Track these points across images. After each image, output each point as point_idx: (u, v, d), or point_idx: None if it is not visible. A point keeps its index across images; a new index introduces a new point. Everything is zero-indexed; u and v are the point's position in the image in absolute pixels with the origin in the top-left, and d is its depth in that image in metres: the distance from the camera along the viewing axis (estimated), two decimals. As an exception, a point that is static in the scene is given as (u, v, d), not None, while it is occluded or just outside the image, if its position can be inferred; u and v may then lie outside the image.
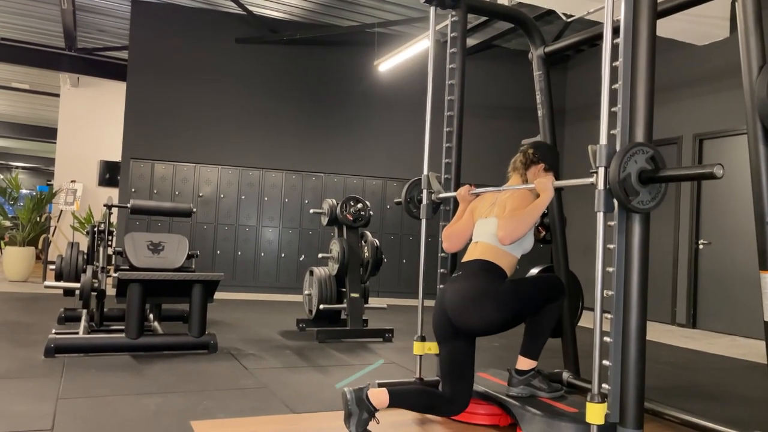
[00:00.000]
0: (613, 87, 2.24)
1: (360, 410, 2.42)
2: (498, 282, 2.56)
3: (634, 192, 2.13)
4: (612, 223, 2.23)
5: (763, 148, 2.35)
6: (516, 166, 2.84)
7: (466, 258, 2.72)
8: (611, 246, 2.23)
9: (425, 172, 3.26)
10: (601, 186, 2.16)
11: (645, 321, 2.21)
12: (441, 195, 3.20)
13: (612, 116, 2.22)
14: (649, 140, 2.24)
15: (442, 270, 3.21)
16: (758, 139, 2.35)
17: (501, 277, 2.59)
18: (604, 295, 2.20)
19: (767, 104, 2.28)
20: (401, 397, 2.53)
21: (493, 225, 2.65)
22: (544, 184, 2.54)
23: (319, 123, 8.40)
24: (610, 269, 2.21)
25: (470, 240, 2.80)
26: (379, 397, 2.46)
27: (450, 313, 2.58)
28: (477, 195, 2.94)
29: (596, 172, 2.18)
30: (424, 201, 3.24)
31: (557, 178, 2.77)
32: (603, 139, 2.19)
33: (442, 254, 3.15)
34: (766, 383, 2.37)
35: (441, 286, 3.18)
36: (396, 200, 3.58)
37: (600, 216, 2.17)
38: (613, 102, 2.23)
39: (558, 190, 3.36)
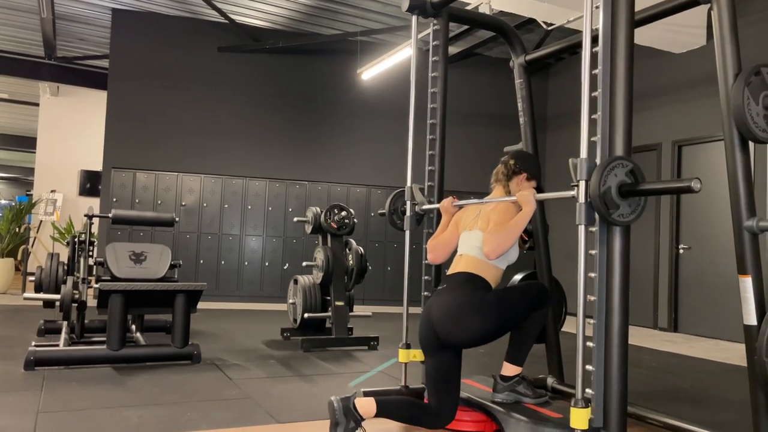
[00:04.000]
0: (592, 95, 2.27)
1: (347, 420, 2.42)
2: (482, 294, 2.56)
3: (614, 205, 2.16)
4: (593, 229, 2.25)
5: (740, 154, 2.39)
6: (498, 178, 2.86)
7: (451, 270, 2.72)
8: (593, 252, 2.25)
9: (409, 183, 3.27)
10: (582, 199, 2.19)
11: (627, 325, 2.23)
12: (424, 207, 3.22)
13: (592, 124, 2.24)
14: (629, 151, 2.28)
15: (426, 277, 3.22)
16: (735, 146, 2.39)
17: (485, 288, 2.60)
18: (587, 300, 2.22)
19: (743, 111, 2.32)
20: (388, 407, 2.52)
21: (477, 238, 2.66)
22: (526, 197, 2.56)
23: (303, 131, 8.39)
24: (593, 275, 2.24)
25: (455, 252, 2.81)
26: (366, 406, 2.46)
27: (436, 326, 2.58)
28: (460, 207, 2.95)
29: (577, 186, 2.21)
30: (408, 212, 3.25)
31: (539, 185, 2.80)
32: (583, 148, 2.22)
33: (426, 262, 3.16)
34: (747, 386, 2.40)
35: (426, 293, 3.18)
36: (380, 212, 3.58)
37: (581, 228, 2.19)
38: (593, 109, 2.26)
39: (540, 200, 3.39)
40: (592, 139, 2.25)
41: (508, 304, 2.59)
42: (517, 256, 2.73)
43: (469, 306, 2.53)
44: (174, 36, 7.97)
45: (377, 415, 2.48)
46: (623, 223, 2.19)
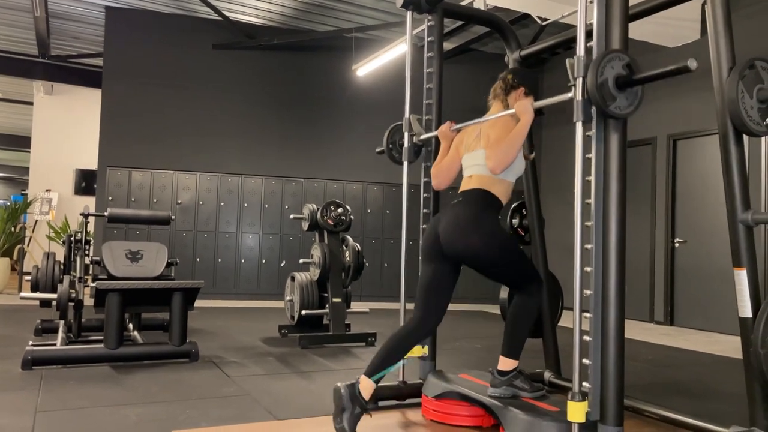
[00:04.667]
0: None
1: (353, 405, 2.46)
2: (493, 213, 2.64)
3: (611, 97, 2.19)
4: (590, 133, 2.27)
5: (734, 148, 2.40)
6: (496, 93, 2.87)
7: (461, 189, 2.77)
8: (589, 246, 2.26)
9: (406, 115, 3.26)
10: (579, 96, 2.22)
11: (623, 319, 2.24)
12: (422, 136, 3.21)
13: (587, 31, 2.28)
14: (625, 46, 2.29)
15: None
16: (729, 139, 2.40)
17: (496, 206, 2.66)
18: (584, 294, 2.23)
19: (737, 105, 2.33)
20: (376, 365, 2.57)
21: (481, 156, 2.70)
22: (524, 106, 2.58)
23: (299, 128, 8.38)
24: (588, 269, 2.24)
25: (456, 184, 2.86)
26: (366, 387, 2.51)
27: (441, 235, 2.65)
28: (458, 130, 2.96)
29: (574, 85, 2.23)
30: (406, 144, 3.25)
31: (536, 100, 2.80)
32: (580, 46, 2.25)
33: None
34: (743, 378, 2.41)
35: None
36: (378, 149, 3.57)
37: (578, 126, 2.22)
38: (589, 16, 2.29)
39: (536, 191, 3.40)
40: (588, 44, 2.27)
41: (511, 246, 2.66)
42: (523, 167, 2.77)
43: (477, 221, 2.59)
44: (168, 34, 7.95)
45: (375, 380, 2.53)
46: (621, 115, 2.21)
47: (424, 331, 2.72)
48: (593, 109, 2.24)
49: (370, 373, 2.55)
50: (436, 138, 3.12)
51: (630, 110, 2.23)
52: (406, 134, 3.26)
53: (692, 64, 2.02)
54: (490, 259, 2.62)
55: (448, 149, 2.94)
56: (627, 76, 2.21)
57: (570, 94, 2.27)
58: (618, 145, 2.26)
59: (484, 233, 2.58)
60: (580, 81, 2.22)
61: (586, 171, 2.25)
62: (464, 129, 2.92)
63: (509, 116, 2.69)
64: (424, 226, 3.26)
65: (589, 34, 2.31)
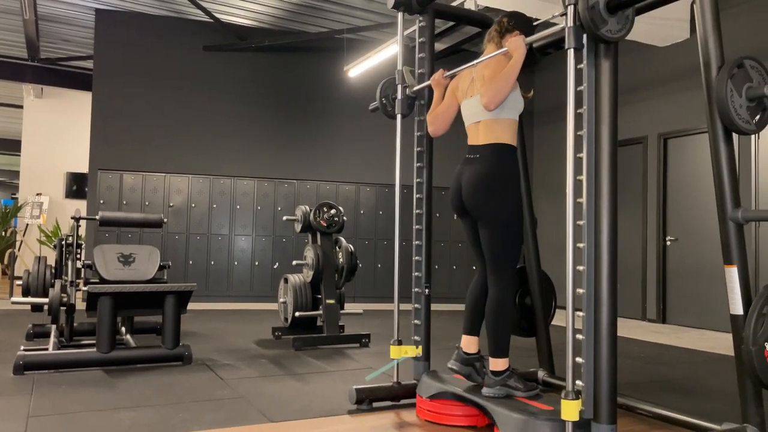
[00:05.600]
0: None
1: (468, 367, 2.75)
2: (512, 166, 2.72)
3: (602, 21, 2.20)
4: (581, 66, 2.29)
5: (724, 146, 2.42)
6: (491, 36, 2.88)
7: (471, 141, 2.81)
8: (581, 245, 2.27)
9: (399, 67, 3.26)
10: (570, 23, 2.23)
11: (616, 317, 2.25)
12: (415, 87, 3.21)
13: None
14: None
15: (416, 273, 3.23)
16: (719, 137, 2.41)
17: (512, 156, 2.73)
18: (576, 293, 2.23)
19: (726, 104, 2.34)
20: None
21: (478, 101, 2.71)
22: (516, 42, 2.61)
23: (290, 129, 8.37)
24: (581, 268, 2.25)
25: (453, 134, 2.97)
26: (470, 345, 2.79)
27: (465, 196, 2.74)
28: (452, 76, 2.97)
29: (566, 13, 2.25)
30: (399, 96, 3.24)
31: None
32: None
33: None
34: (735, 375, 2.43)
35: (417, 289, 3.20)
36: (371, 106, 3.56)
37: (570, 53, 2.24)
38: None
39: (528, 191, 3.41)
40: None
41: (517, 222, 2.74)
42: (522, 104, 2.79)
43: (494, 180, 2.67)
44: (158, 36, 7.92)
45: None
46: (612, 39, 2.23)
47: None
48: (584, 36, 2.25)
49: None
50: (430, 89, 3.12)
51: (622, 34, 2.25)
52: (399, 87, 3.25)
53: None
54: (501, 221, 2.69)
55: (441, 97, 2.96)
56: None
57: (562, 24, 2.29)
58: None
59: (505, 195, 2.68)
60: (571, 8, 2.23)
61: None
62: (458, 74, 2.93)
63: (502, 55, 2.70)
64: (417, 226, 3.27)
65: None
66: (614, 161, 2.30)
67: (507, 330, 2.72)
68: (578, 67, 2.29)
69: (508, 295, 2.71)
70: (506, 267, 2.73)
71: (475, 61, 2.79)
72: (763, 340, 2.27)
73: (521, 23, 2.84)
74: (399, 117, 3.24)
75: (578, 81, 2.29)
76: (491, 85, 2.58)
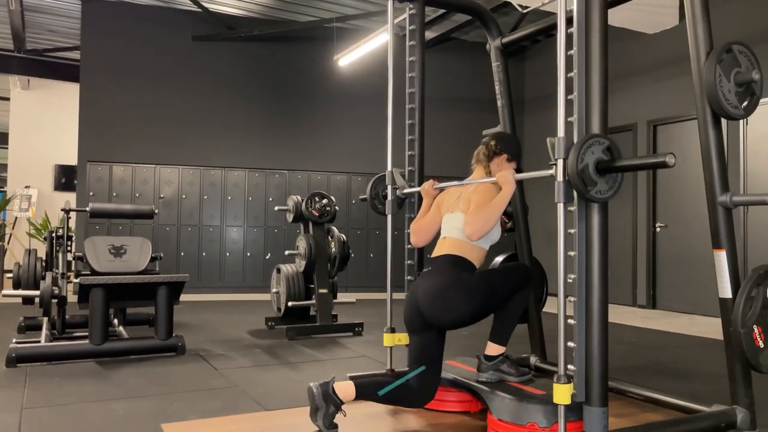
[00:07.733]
0: (568, 75, 2.29)
1: (326, 404, 2.43)
2: (467, 276, 2.60)
3: (592, 182, 2.19)
4: (572, 209, 2.28)
5: (713, 131, 2.44)
6: (479, 158, 2.88)
7: (435, 253, 2.75)
8: (572, 231, 2.29)
9: (389, 168, 3.28)
10: (560, 178, 2.22)
11: (607, 303, 2.27)
12: (405, 191, 3.23)
13: (568, 104, 2.26)
14: (605, 129, 2.30)
15: (409, 262, 3.24)
16: (707, 123, 2.43)
17: (470, 270, 2.63)
18: (568, 279, 2.25)
19: (715, 89, 2.36)
20: (367, 389, 2.54)
21: (459, 220, 2.68)
22: (506, 177, 2.58)
23: (281, 119, 8.34)
24: (572, 253, 2.27)
25: (438, 235, 2.83)
26: (345, 390, 2.47)
27: (422, 307, 2.61)
28: (441, 189, 2.96)
29: (555, 165, 2.24)
30: (389, 197, 3.26)
31: (519, 167, 2.83)
32: (561, 128, 2.24)
33: (409, 246, 3.18)
34: (724, 358, 2.46)
35: (409, 277, 3.20)
36: (361, 197, 3.60)
37: (560, 206, 2.22)
38: (569, 90, 2.28)
39: (520, 180, 3.42)
40: (569, 119, 2.27)
41: (493, 286, 2.61)
42: (499, 236, 2.76)
43: (455, 288, 2.56)
44: (146, 26, 7.84)
45: (357, 398, 2.50)
46: (601, 199, 2.23)
47: (421, 401, 2.62)
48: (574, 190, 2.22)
49: (355, 380, 2.54)
50: (419, 192, 3.11)
51: (610, 194, 2.23)
52: (389, 187, 3.26)
53: (670, 160, 2.06)
54: (481, 309, 2.59)
55: (429, 206, 2.94)
56: (608, 161, 2.21)
57: (551, 172, 2.26)
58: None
59: (465, 293, 2.54)
60: (560, 163, 2.21)
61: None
62: (446, 189, 2.92)
63: (491, 183, 2.69)
64: (409, 215, 3.28)
65: (569, 21, 2.31)
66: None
67: (515, 323, 2.74)
68: (569, 209, 2.25)
69: (526, 293, 2.69)
70: (521, 285, 2.66)
71: (464, 182, 2.80)
72: (752, 322, 2.30)
73: (509, 146, 2.83)
74: (389, 217, 3.25)
75: (568, 68, 2.29)
76: (479, 216, 2.54)
